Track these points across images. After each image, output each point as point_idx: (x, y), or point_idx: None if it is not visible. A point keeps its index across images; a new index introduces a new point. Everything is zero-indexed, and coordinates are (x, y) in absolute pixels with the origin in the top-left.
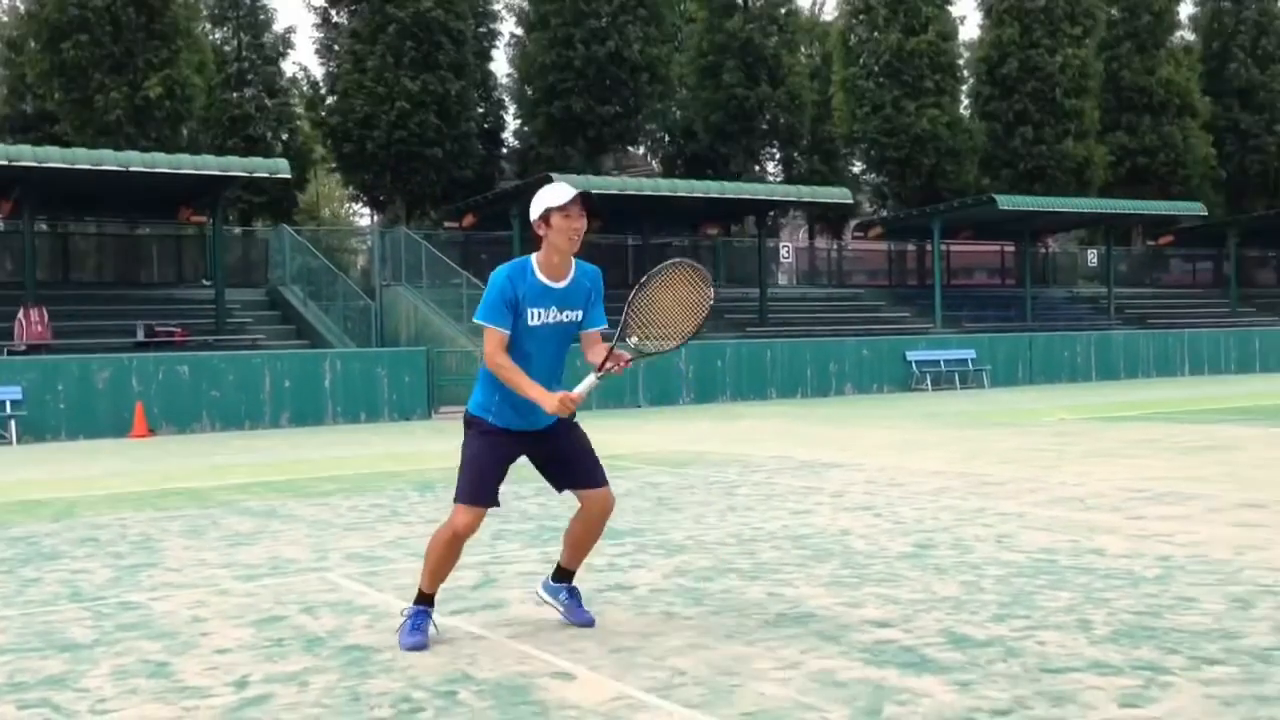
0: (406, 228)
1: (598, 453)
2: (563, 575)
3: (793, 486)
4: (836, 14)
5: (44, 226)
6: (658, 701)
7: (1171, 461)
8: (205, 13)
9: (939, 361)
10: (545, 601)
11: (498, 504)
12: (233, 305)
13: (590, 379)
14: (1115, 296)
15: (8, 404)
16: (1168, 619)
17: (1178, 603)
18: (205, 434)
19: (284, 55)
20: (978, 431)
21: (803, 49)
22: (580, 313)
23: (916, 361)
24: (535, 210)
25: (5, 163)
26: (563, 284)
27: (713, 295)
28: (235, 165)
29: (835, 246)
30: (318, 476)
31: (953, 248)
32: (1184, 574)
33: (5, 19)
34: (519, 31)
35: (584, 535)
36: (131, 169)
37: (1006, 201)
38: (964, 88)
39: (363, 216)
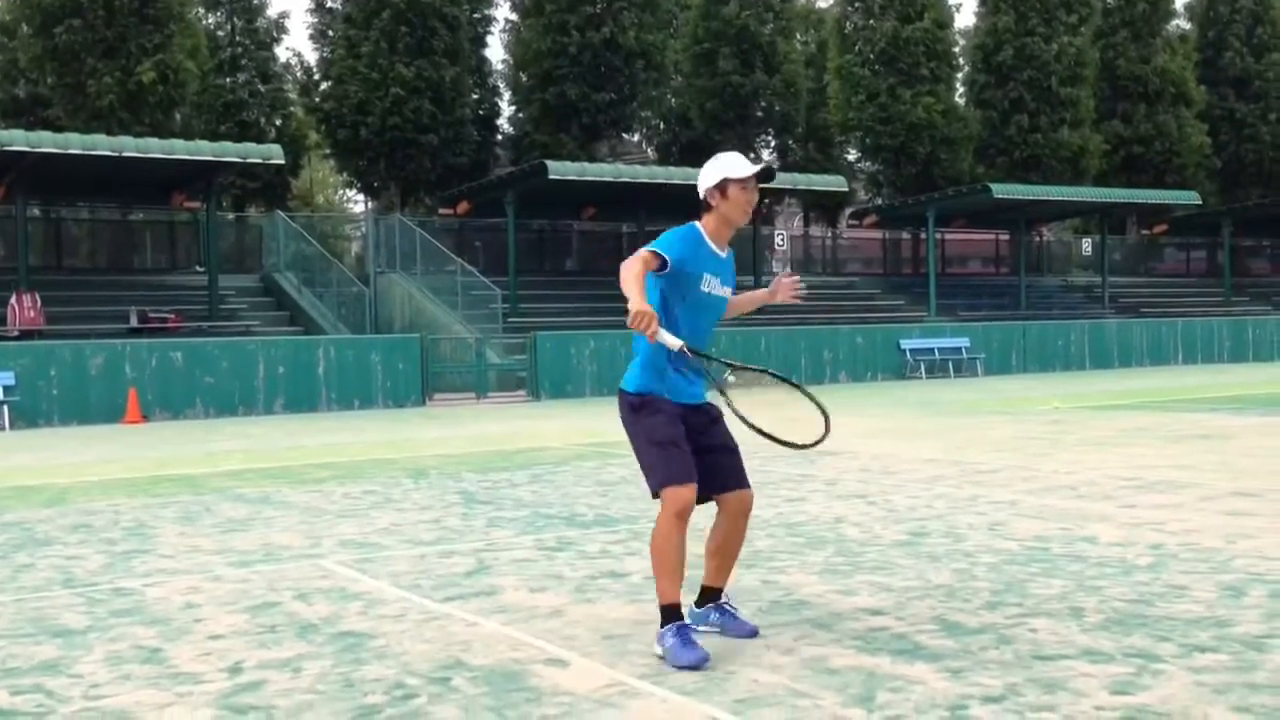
0: (401, 214)
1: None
2: (707, 596)
3: (787, 474)
4: (832, 1)
5: (36, 212)
6: (651, 688)
7: (1164, 450)
8: None
9: (933, 350)
10: (699, 632)
11: (695, 479)
12: (226, 291)
13: (674, 340)
14: (1109, 285)
15: (0, 389)
16: (1159, 607)
17: (1169, 591)
18: (199, 420)
19: (278, 40)
20: (971, 420)
21: (798, 36)
22: (731, 290)
23: (911, 350)
24: (710, 179)
25: None
26: (724, 256)
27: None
28: (229, 151)
29: (830, 235)
30: (311, 463)
31: (947, 236)
32: (1176, 562)
33: None
34: (514, 17)
35: (731, 538)
36: (125, 154)
37: (1001, 190)
38: (959, 75)
39: (357, 203)
